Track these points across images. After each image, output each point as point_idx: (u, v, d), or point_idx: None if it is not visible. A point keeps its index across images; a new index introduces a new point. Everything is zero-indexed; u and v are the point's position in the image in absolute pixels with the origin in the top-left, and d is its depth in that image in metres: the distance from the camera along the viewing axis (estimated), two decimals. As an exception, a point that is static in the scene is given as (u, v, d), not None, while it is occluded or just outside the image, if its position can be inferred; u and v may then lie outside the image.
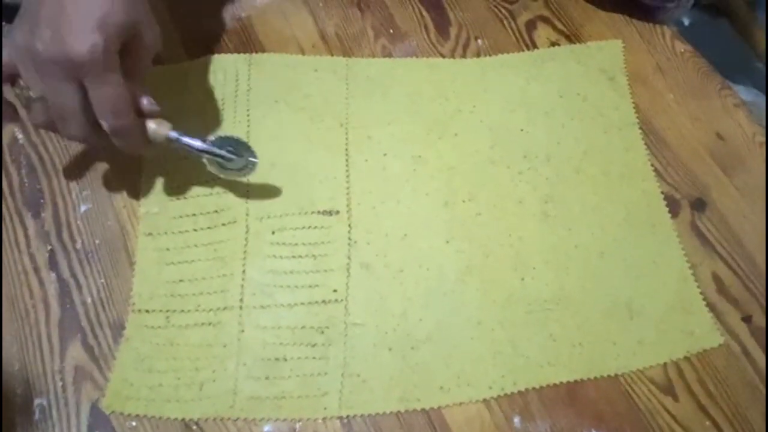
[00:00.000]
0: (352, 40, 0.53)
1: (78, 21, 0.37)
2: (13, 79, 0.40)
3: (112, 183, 0.46)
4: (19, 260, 0.44)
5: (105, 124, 0.39)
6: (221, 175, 0.43)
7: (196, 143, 0.41)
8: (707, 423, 0.41)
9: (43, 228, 0.45)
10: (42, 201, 0.46)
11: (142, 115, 0.40)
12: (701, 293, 0.45)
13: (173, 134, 0.41)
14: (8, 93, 0.42)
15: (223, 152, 0.42)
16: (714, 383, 0.42)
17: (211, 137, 0.43)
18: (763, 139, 0.51)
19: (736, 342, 0.44)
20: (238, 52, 0.51)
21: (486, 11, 0.55)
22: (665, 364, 0.43)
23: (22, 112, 0.44)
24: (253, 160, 0.43)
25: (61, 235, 0.45)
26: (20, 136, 0.47)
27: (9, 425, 0.39)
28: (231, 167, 0.43)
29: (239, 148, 0.43)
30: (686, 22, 0.60)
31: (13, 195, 0.46)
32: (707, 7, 0.74)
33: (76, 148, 0.47)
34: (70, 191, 0.46)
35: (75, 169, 0.47)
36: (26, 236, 0.44)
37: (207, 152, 0.41)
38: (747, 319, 0.44)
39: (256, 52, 0.51)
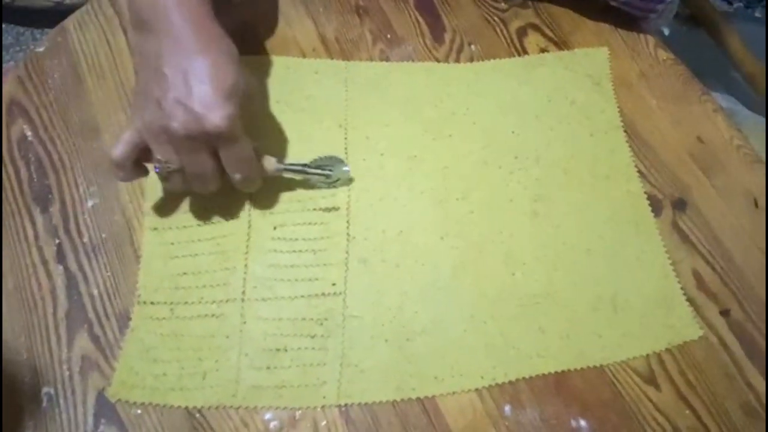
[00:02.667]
0: (351, 44, 0.55)
1: (209, 96, 0.38)
2: (143, 154, 0.42)
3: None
4: (27, 253, 0.45)
5: (238, 177, 0.42)
6: (322, 188, 0.48)
7: (299, 167, 0.46)
8: (687, 411, 0.43)
9: (51, 222, 0.46)
10: (50, 196, 0.47)
11: None
12: (682, 288, 0.47)
13: (280, 166, 0.45)
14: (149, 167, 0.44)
15: (321, 171, 0.47)
16: (694, 373, 0.44)
17: (309, 159, 0.47)
18: (740, 142, 0.53)
19: (714, 334, 0.46)
20: (241, 55, 0.53)
21: (479, 18, 0.57)
22: (648, 355, 0.45)
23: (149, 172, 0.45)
24: (346, 169, 0.48)
25: (68, 229, 0.46)
26: (29, 133, 0.49)
27: (18, 413, 0.40)
28: (329, 181, 0.48)
29: (334, 162, 0.48)
30: (666, 32, 0.62)
31: (21, 190, 0.47)
32: (686, 19, 0.76)
33: (83, 145, 0.49)
34: (77, 187, 0.47)
35: (82, 165, 0.48)
36: (35, 230, 0.46)
37: (308, 173, 0.46)
38: (725, 312, 0.46)
39: (258, 54, 0.53)
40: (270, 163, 0.45)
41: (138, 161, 0.42)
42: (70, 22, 0.53)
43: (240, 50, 0.52)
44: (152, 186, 0.47)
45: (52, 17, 0.54)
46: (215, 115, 0.38)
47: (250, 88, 0.43)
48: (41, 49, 0.52)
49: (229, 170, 0.42)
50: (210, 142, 0.40)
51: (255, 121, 0.47)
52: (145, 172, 0.44)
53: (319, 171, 0.47)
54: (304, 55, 0.54)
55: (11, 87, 0.50)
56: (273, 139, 0.49)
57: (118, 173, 0.42)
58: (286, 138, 0.49)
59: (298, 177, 0.47)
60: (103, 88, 0.51)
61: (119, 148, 0.41)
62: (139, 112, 0.40)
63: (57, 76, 0.51)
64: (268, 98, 0.51)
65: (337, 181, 0.48)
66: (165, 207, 0.47)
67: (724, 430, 0.43)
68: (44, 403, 0.41)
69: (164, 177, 0.42)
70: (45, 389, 0.41)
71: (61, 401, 0.41)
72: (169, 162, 0.40)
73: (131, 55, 0.50)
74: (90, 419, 0.41)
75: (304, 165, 0.47)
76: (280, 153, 0.49)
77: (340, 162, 0.48)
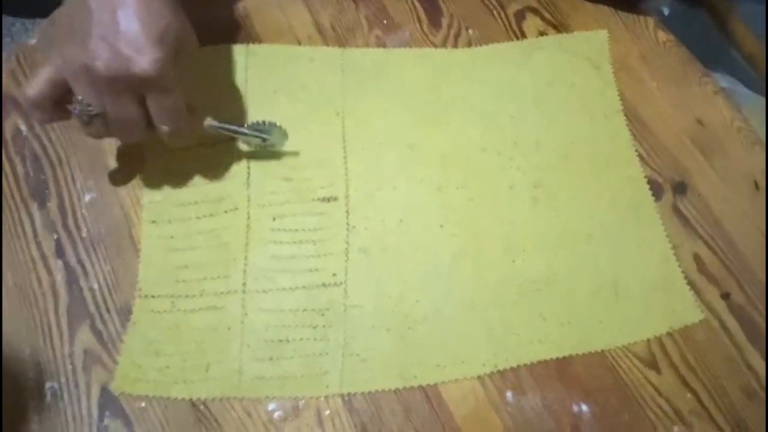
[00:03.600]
0: (347, 31, 0.54)
1: (138, 37, 0.36)
2: (63, 94, 0.39)
3: (115, 172, 0.47)
4: (26, 249, 0.45)
5: (165, 129, 0.40)
6: (257, 149, 0.48)
7: (235, 128, 0.45)
8: (688, 395, 0.43)
9: (49, 217, 0.46)
10: (47, 191, 0.47)
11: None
12: (682, 272, 0.47)
13: (214, 123, 0.44)
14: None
15: (257, 133, 0.46)
16: (694, 357, 0.44)
17: (246, 122, 0.47)
18: (741, 124, 0.53)
19: (715, 318, 0.46)
20: (235, 43, 0.52)
21: (476, 2, 0.56)
22: (649, 339, 0.45)
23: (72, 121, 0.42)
24: (281, 132, 0.47)
25: (66, 223, 0.46)
26: (23, 128, 0.48)
27: (22, 408, 0.40)
28: (265, 145, 0.47)
29: (271, 127, 0.46)
30: (666, 12, 0.62)
31: (18, 185, 0.47)
32: (686, -2, 0.75)
33: (79, 139, 0.48)
34: (74, 181, 0.47)
35: (79, 159, 0.48)
36: (33, 225, 0.45)
37: (243, 134, 0.46)
38: (725, 296, 0.47)
39: (253, 43, 0.52)
40: (204, 119, 0.43)
41: (59, 102, 0.39)
42: (61, 13, 0.52)
43: (233, 39, 0.53)
44: (150, 179, 0.47)
45: (43, 7, 0.53)
46: (144, 58, 0.36)
47: (187, 34, 0.40)
48: (33, 41, 0.51)
49: (156, 120, 0.40)
50: (136, 87, 0.37)
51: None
52: (68, 115, 0.40)
53: (253, 133, 0.46)
54: (299, 43, 0.53)
55: (3, 80, 0.50)
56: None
57: (36, 114, 0.39)
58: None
59: (238, 138, 0.46)
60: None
61: (35, 86, 0.38)
62: (59, 47, 0.37)
63: (50, 68, 0.50)
64: (263, 88, 0.50)
65: (273, 145, 0.47)
66: (163, 200, 0.46)
67: (724, 412, 0.43)
68: (48, 398, 0.41)
69: (85, 121, 0.39)
70: (48, 384, 0.41)
71: (65, 396, 0.41)
72: (90, 105, 0.38)
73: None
74: (94, 413, 0.41)
75: (239, 126, 0.45)
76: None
77: (278, 127, 0.46)
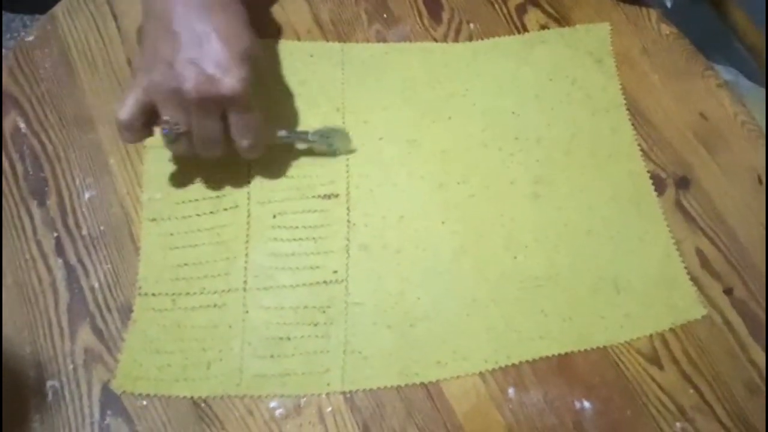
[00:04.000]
0: (347, 26, 0.54)
1: (223, 58, 0.38)
2: (151, 115, 0.41)
3: (114, 170, 0.47)
4: (26, 247, 0.45)
5: (245, 143, 0.41)
6: (321, 155, 0.48)
7: (302, 136, 0.47)
8: (690, 390, 0.43)
9: (49, 215, 0.46)
10: (46, 189, 0.46)
11: None
12: (685, 267, 0.46)
13: (283, 134, 0.46)
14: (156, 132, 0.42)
15: (323, 140, 0.47)
16: (697, 353, 0.44)
17: (311, 128, 0.48)
18: (745, 118, 0.52)
19: (718, 313, 0.46)
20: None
21: (477, -5, 0.56)
22: (651, 335, 0.45)
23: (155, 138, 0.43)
24: (346, 138, 0.48)
25: (66, 222, 0.45)
26: (23, 125, 0.48)
27: (23, 406, 0.41)
28: (330, 151, 0.48)
29: (335, 132, 0.48)
30: (668, 4, 0.61)
31: (18, 184, 0.46)
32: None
33: (78, 137, 0.48)
34: (73, 179, 0.47)
35: (78, 157, 0.48)
36: (32, 224, 0.45)
37: (311, 142, 0.47)
38: (728, 291, 0.46)
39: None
40: (274, 130, 0.45)
41: (146, 122, 0.41)
42: (59, 9, 0.52)
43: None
44: (149, 177, 0.47)
45: (42, 4, 0.53)
46: (230, 77, 0.38)
47: (260, 52, 0.42)
48: (31, 38, 0.51)
49: (237, 136, 0.41)
50: (221, 105, 0.39)
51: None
52: (151, 133, 0.42)
53: (321, 140, 0.47)
54: (298, 38, 0.53)
55: (3, 78, 0.49)
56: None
57: (126, 135, 0.41)
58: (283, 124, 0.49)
59: (301, 146, 0.47)
60: (95, 78, 0.50)
61: (126, 109, 0.40)
62: (147, 71, 0.39)
63: (48, 66, 0.50)
64: (262, 83, 0.50)
65: (338, 150, 0.48)
66: (163, 197, 0.46)
67: (727, 408, 0.43)
68: (50, 397, 0.41)
69: (171, 140, 0.41)
70: (50, 383, 0.41)
71: (67, 394, 0.41)
72: (177, 124, 0.40)
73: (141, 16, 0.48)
74: (96, 411, 0.41)
75: (305, 133, 0.47)
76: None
77: (341, 132, 0.48)
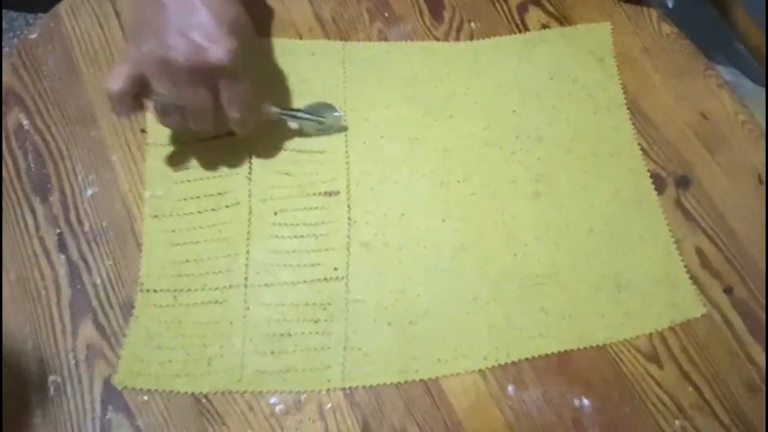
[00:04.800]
0: (348, 24, 0.54)
1: (212, 28, 0.38)
2: (141, 87, 0.41)
3: (117, 167, 0.47)
4: (29, 243, 0.45)
5: (236, 116, 0.42)
6: (314, 133, 0.48)
7: (294, 113, 0.47)
8: (690, 389, 0.43)
9: (51, 212, 0.46)
10: (49, 186, 0.47)
11: None
12: (685, 266, 0.47)
13: (275, 109, 0.46)
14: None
15: (313, 116, 0.47)
16: (696, 351, 0.44)
17: (302, 105, 0.48)
18: (746, 118, 0.52)
19: (717, 312, 0.46)
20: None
21: (478, -6, 0.56)
22: (651, 334, 0.45)
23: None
24: (337, 115, 0.48)
25: (69, 218, 0.46)
26: (26, 122, 0.48)
27: (25, 402, 0.41)
28: (321, 128, 0.48)
29: (326, 109, 0.48)
30: (670, 4, 0.61)
31: (20, 180, 0.47)
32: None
33: (81, 133, 0.48)
34: (76, 176, 0.47)
35: (80, 154, 0.48)
36: (35, 220, 0.46)
37: (302, 118, 0.47)
38: (728, 290, 0.46)
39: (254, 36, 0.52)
40: (265, 105, 0.45)
41: (137, 95, 0.41)
42: (62, 7, 0.52)
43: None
44: (152, 174, 0.47)
45: (45, 2, 0.53)
46: (219, 47, 0.38)
47: (249, 25, 0.42)
48: (34, 36, 0.51)
49: (227, 108, 0.41)
50: (211, 76, 0.39)
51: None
52: (142, 107, 0.43)
53: (311, 116, 0.47)
54: (300, 36, 0.53)
55: (6, 75, 0.50)
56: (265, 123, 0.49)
57: (118, 108, 0.41)
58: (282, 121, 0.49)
59: (292, 123, 0.47)
60: (98, 75, 0.50)
61: (117, 82, 0.40)
62: (136, 43, 0.39)
63: (51, 63, 0.50)
64: (263, 81, 0.50)
65: (329, 128, 0.48)
66: (165, 194, 0.46)
67: (726, 406, 0.43)
68: (51, 392, 0.41)
69: (163, 112, 0.41)
70: (52, 378, 0.42)
71: (68, 389, 0.41)
72: (168, 96, 0.40)
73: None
74: (97, 407, 0.41)
75: (297, 110, 0.47)
76: (278, 137, 0.49)
77: (333, 108, 0.48)
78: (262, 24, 0.53)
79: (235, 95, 0.41)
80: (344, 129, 0.49)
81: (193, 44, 0.37)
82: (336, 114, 0.48)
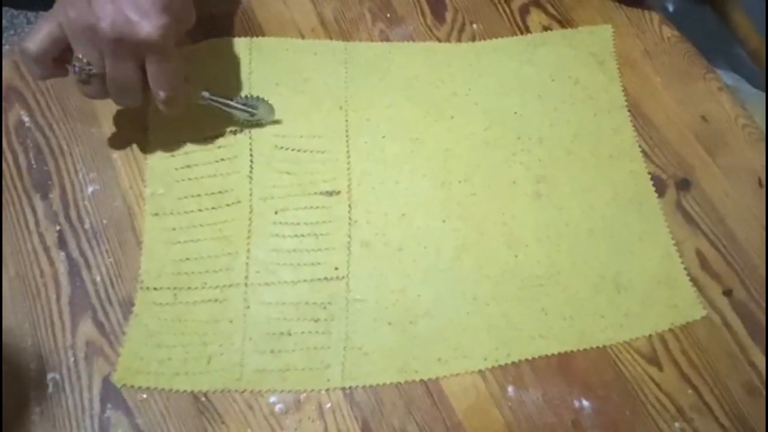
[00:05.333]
0: (350, 24, 0.54)
1: (145, 3, 0.37)
2: (63, 51, 0.40)
3: (118, 164, 0.47)
4: (29, 240, 0.45)
5: (161, 94, 0.41)
6: (245, 123, 0.48)
7: (224, 101, 0.46)
8: (689, 391, 0.43)
9: (52, 209, 0.46)
10: (50, 182, 0.47)
11: None
12: (685, 268, 0.47)
13: (206, 94, 0.45)
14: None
15: (245, 107, 0.47)
16: (696, 353, 0.44)
17: (237, 95, 0.48)
18: (746, 121, 0.52)
19: (717, 314, 0.46)
20: (239, 36, 0.52)
21: (480, -4, 0.56)
22: (650, 335, 0.45)
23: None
24: (269, 109, 0.48)
25: (69, 215, 0.46)
26: (26, 119, 0.48)
27: (23, 399, 0.41)
28: (253, 120, 0.48)
29: (260, 102, 0.48)
30: (671, 8, 0.61)
31: (21, 177, 0.47)
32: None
33: (82, 130, 0.48)
34: (77, 172, 0.47)
35: (81, 151, 0.48)
36: (35, 217, 0.45)
37: (232, 107, 0.47)
38: (728, 292, 0.46)
39: (256, 36, 0.52)
40: (196, 90, 0.45)
41: (58, 59, 0.40)
42: (64, 4, 0.52)
43: (237, 32, 0.52)
44: (153, 171, 0.47)
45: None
46: (149, 23, 0.37)
47: (189, 7, 0.42)
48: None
49: (154, 85, 0.41)
50: (138, 50, 0.38)
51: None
52: (64, 72, 0.42)
53: (243, 107, 0.47)
54: (302, 36, 0.53)
55: (7, 72, 0.50)
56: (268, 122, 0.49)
57: (35, 69, 0.40)
58: (284, 120, 0.49)
59: (225, 110, 0.47)
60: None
61: (37, 41, 0.39)
62: (64, 5, 0.38)
63: (53, 60, 0.50)
64: (266, 81, 0.50)
65: (260, 120, 0.48)
66: (166, 192, 0.46)
67: (726, 409, 0.43)
68: (50, 389, 0.41)
69: (83, 80, 0.40)
70: (50, 375, 0.41)
71: (67, 387, 0.41)
72: (90, 64, 0.39)
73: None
74: (96, 404, 0.41)
75: (230, 98, 0.47)
76: (278, 138, 0.49)
77: (265, 102, 0.48)
78: (264, 24, 0.53)
79: (161, 74, 0.40)
80: (278, 122, 0.49)
81: (123, 15, 0.37)
82: (269, 108, 0.48)
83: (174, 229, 0.45)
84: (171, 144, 0.48)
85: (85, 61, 0.39)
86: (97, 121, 0.48)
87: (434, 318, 0.44)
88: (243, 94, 0.48)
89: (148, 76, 0.40)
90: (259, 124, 0.48)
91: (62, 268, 0.44)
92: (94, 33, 0.37)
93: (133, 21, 0.37)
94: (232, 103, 0.46)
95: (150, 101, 0.44)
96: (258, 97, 0.48)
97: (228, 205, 0.46)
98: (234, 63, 0.51)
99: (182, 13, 0.40)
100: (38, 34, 0.39)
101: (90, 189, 0.47)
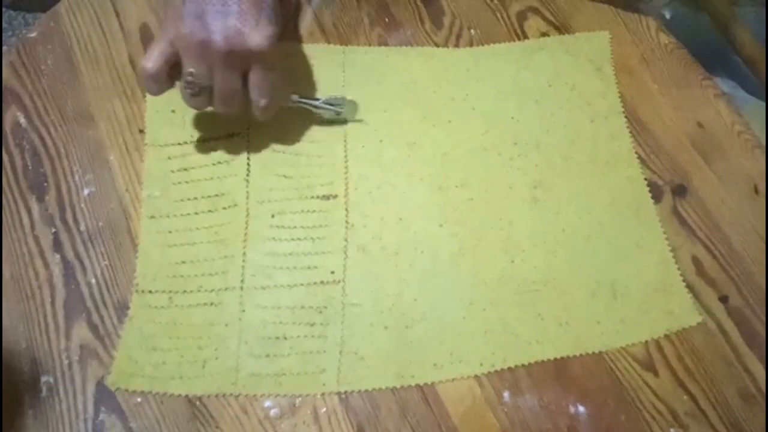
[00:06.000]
0: (349, 29, 0.54)
1: (252, 14, 0.39)
2: (174, 69, 0.41)
3: (114, 166, 0.47)
4: (24, 242, 0.45)
5: (262, 102, 0.42)
6: (329, 122, 0.50)
7: (313, 102, 0.48)
8: (685, 397, 0.43)
9: (47, 211, 0.46)
10: (46, 184, 0.46)
11: None
12: (681, 275, 0.47)
13: (296, 97, 0.47)
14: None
15: (332, 107, 0.48)
16: (692, 359, 0.44)
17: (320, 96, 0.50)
18: (742, 128, 0.53)
19: (713, 320, 0.46)
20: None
21: (479, 2, 0.56)
22: (646, 341, 0.45)
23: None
24: (352, 103, 0.50)
25: (65, 217, 0.45)
26: (23, 120, 0.48)
27: (17, 402, 0.40)
28: (338, 117, 0.49)
29: (342, 101, 0.49)
30: (668, 15, 0.62)
31: (17, 179, 0.46)
32: (688, 1, 0.75)
33: (79, 133, 0.48)
34: (73, 175, 0.47)
35: (78, 153, 0.48)
36: (30, 219, 0.45)
37: (321, 108, 0.48)
38: (723, 299, 0.47)
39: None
40: (287, 94, 0.46)
41: (169, 74, 0.42)
42: (61, 6, 0.52)
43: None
44: (149, 174, 0.47)
45: (44, 1, 0.53)
46: (258, 33, 0.39)
47: (281, 18, 0.43)
48: (33, 35, 0.51)
49: (256, 94, 0.42)
50: (247, 60, 0.40)
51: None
52: (172, 85, 0.43)
53: (330, 107, 0.48)
54: (300, 40, 0.53)
55: (4, 73, 0.49)
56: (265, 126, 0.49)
57: (152, 86, 0.42)
58: (282, 124, 0.49)
59: (314, 111, 0.48)
60: (97, 75, 0.50)
61: (153, 60, 0.40)
62: (174, 23, 0.39)
63: (50, 62, 0.50)
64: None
65: (345, 118, 0.49)
66: (162, 195, 0.46)
67: (721, 415, 0.43)
68: (44, 392, 0.41)
69: (195, 93, 0.41)
70: (44, 378, 0.41)
71: (61, 390, 0.41)
72: (200, 77, 0.40)
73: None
74: (90, 408, 0.41)
75: (317, 99, 0.48)
76: (280, 135, 0.49)
77: (350, 101, 0.49)
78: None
79: (266, 82, 0.42)
80: (360, 121, 0.50)
81: (234, 28, 0.38)
82: (351, 103, 0.49)
83: (170, 232, 0.45)
84: (167, 147, 0.48)
85: (196, 74, 0.40)
86: (93, 124, 0.48)
87: (430, 323, 0.44)
88: (327, 95, 0.49)
89: (249, 85, 0.41)
90: (343, 122, 0.49)
91: (57, 270, 0.44)
92: (207, 47, 0.39)
93: (244, 33, 0.38)
94: (319, 103, 0.47)
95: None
96: (342, 97, 0.49)
97: (224, 208, 0.46)
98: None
99: (279, 21, 0.42)
100: (152, 53, 0.40)
101: (86, 191, 0.46)
